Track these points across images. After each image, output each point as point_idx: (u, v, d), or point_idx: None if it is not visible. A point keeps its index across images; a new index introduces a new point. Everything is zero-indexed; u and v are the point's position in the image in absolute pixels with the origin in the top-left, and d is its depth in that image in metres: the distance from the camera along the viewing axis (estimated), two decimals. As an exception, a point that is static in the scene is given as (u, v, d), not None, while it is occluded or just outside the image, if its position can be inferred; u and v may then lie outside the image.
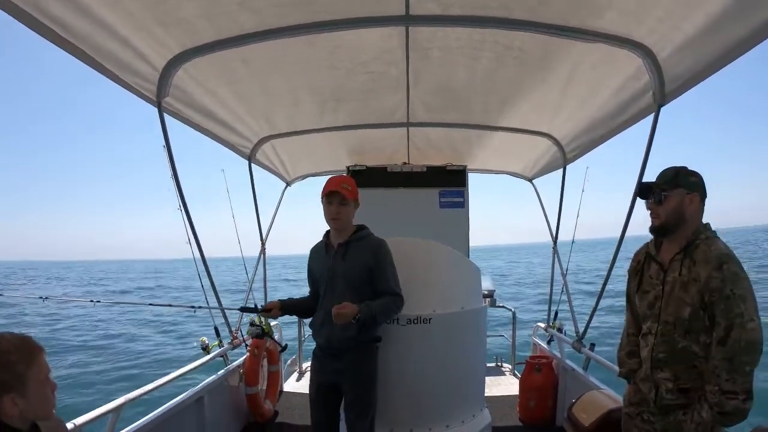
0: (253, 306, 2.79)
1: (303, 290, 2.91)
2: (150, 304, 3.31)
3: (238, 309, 3.01)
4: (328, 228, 2.58)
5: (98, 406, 2.32)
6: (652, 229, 1.97)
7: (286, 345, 3.78)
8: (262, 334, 3.03)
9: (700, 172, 1.93)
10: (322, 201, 2.50)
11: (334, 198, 2.44)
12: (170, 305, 3.31)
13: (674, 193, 1.88)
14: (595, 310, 3.62)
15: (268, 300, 2.82)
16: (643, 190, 1.98)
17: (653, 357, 1.93)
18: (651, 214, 1.95)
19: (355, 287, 2.41)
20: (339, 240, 2.51)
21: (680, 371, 1.86)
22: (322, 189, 2.48)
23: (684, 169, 1.92)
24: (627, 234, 3.13)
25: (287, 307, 2.64)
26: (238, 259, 4.66)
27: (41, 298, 2.96)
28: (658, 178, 1.95)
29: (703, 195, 1.90)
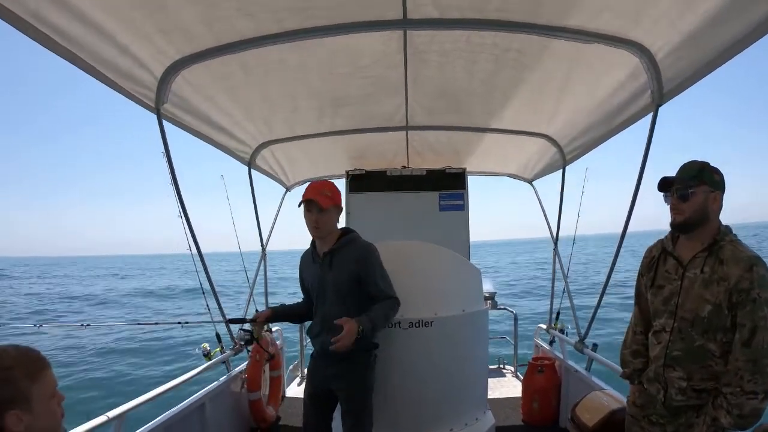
0: (241, 317, 2.84)
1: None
2: (138, 323, 3.35)
3: (226, 321, 3.05)
4: None
5: (99, 414, 2.31)
6: (674, 225, 1.89)
7: (273, 355, 3.86)
8: (251, 340, 3.06)
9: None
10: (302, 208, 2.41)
11: (311, 206, 2.35)
12: (156, 323, 3.36)
13: (699, 190, 1.82)
14: (596, 310, 3.61)
15: (269, 304, 2.84)
16: (664, 183, 1.91)
17: (667, 354, 1.89)
18: (672, 209, 1.88)
19: (344, 297, 2.39)
20: (324, 248, 2.45)
21: (694, 370, 1.83)
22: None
23: (708, 165, 1.85)
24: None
25: (279, 314, 2.66)
26: (238, 254, 4.68)
27: (35, 325, 2.96)
28: (680, 172, 1.87)
29: (723, 193, 1.86)
